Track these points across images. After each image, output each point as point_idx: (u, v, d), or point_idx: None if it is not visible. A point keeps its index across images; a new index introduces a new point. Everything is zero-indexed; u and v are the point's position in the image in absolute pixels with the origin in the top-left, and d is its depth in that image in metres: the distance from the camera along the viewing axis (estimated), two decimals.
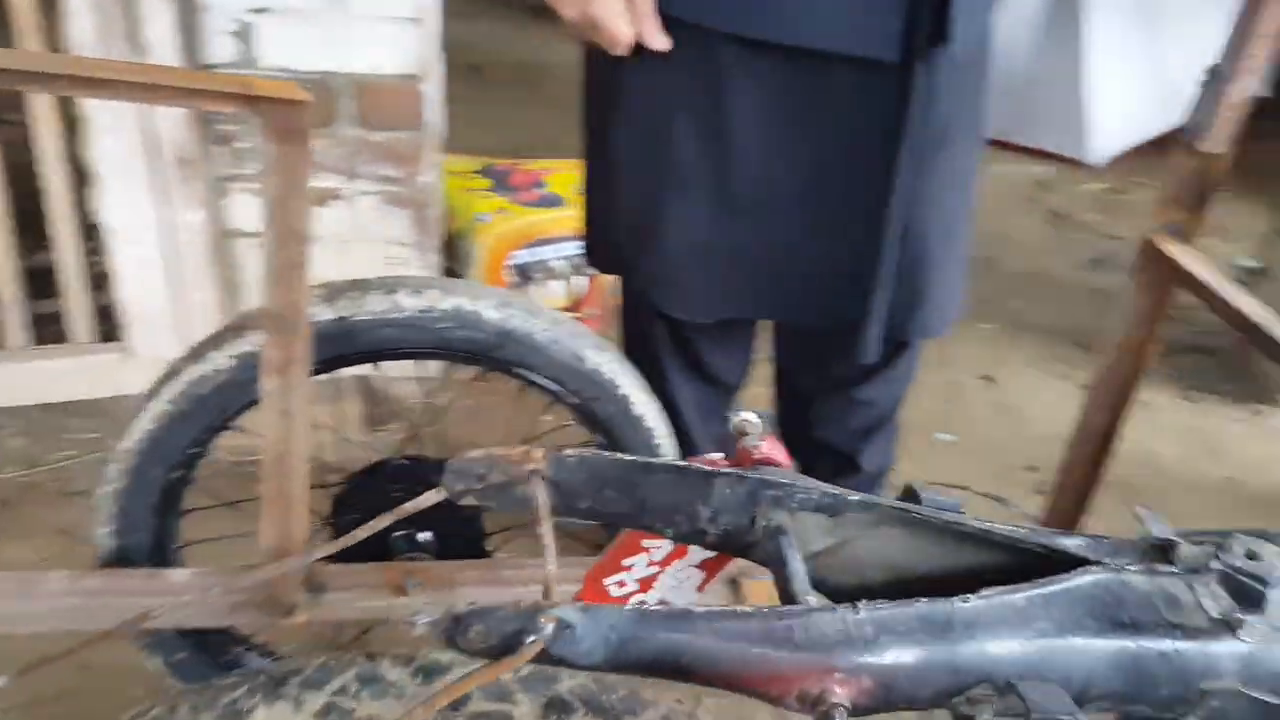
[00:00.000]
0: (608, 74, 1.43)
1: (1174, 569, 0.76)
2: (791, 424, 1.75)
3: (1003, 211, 3.65)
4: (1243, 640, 0.74)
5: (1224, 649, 0.74)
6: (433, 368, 2.03)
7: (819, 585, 0.74)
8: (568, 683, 0.81)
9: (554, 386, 1.33)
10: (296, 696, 0.78)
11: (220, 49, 1.89)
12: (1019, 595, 0.71)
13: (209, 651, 1.45)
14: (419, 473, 1.39)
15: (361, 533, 0.83)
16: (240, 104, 0.93)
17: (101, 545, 1.33)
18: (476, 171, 2.70)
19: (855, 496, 0.77)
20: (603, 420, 1.37)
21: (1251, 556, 0.77)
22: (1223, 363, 2.83)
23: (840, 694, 0.66)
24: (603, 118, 1.49)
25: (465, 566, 1.34)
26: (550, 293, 2.56)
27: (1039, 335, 2.89)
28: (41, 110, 2.01)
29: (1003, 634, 0.70)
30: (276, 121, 0.93)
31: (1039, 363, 2.78)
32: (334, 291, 1.25)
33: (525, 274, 2.54)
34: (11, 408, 2.19)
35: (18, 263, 2.12)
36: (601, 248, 1.61)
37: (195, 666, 1.44)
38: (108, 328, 2.17)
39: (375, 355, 1.28)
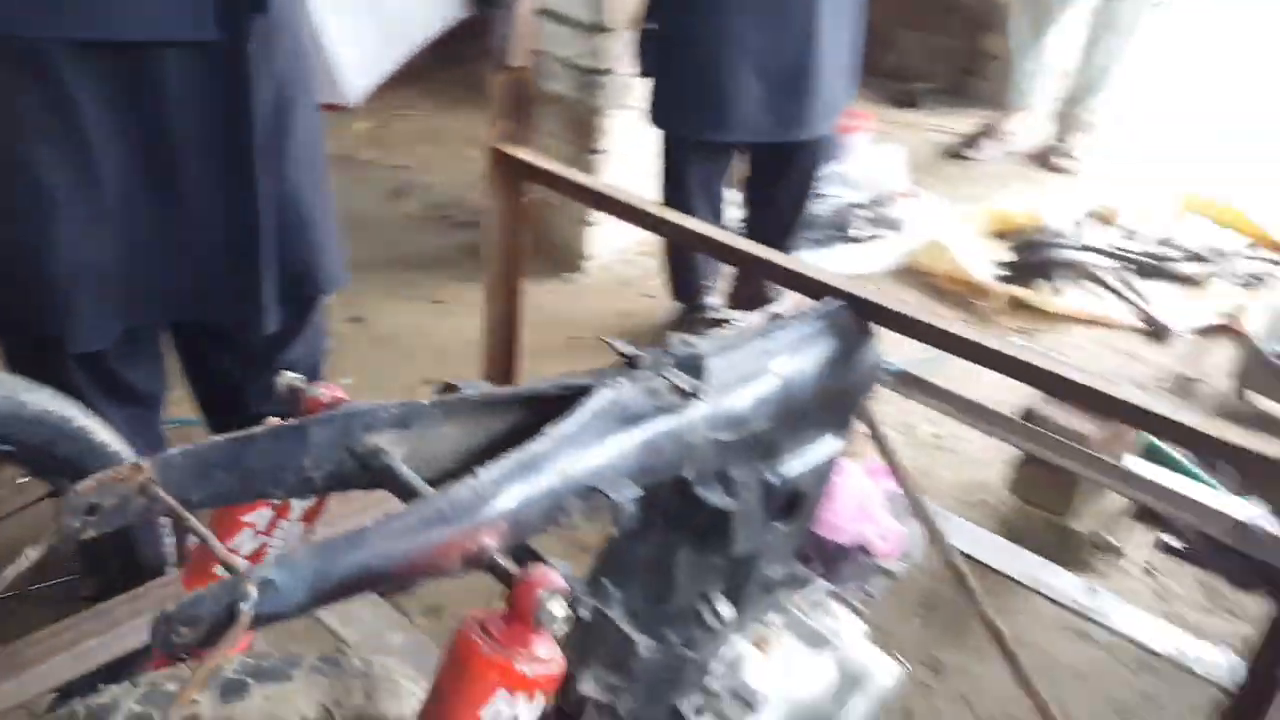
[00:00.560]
0: None
1: (646, 371, 1.03)
2: (225, 410, 1.79)
3: None
4: (702, 401, 1.03)
5: (695, 412, 1.03)
6: None
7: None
8: (228, 664, 0.86)
9: (5, 447, 1.24)
10: None
11: None
12: (568, 424, 0.92)
13: None
14: None
15: None
16: None
17: None
18: None
19: (424, 403, 0.91)
20: (64, 460, 1.31)
21: (686, 344, 1.07)
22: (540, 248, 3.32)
23: (493, 544, 0.82)
24: None
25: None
26: None
27: (380, 269, 3.12)
28: None
29: (570, 455, 0.91)
30: None
31: (392, 292, 3.03)
32: None
33: None
34: None
35: None
36: None
37: None
38: None
39: None
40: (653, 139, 2.67)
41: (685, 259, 2.77)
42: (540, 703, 0.79)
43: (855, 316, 1.23)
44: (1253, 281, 3.19)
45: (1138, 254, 3.28)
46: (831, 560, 1.46)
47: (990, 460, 2.42)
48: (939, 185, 3.90)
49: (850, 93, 2.64)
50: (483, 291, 1.73)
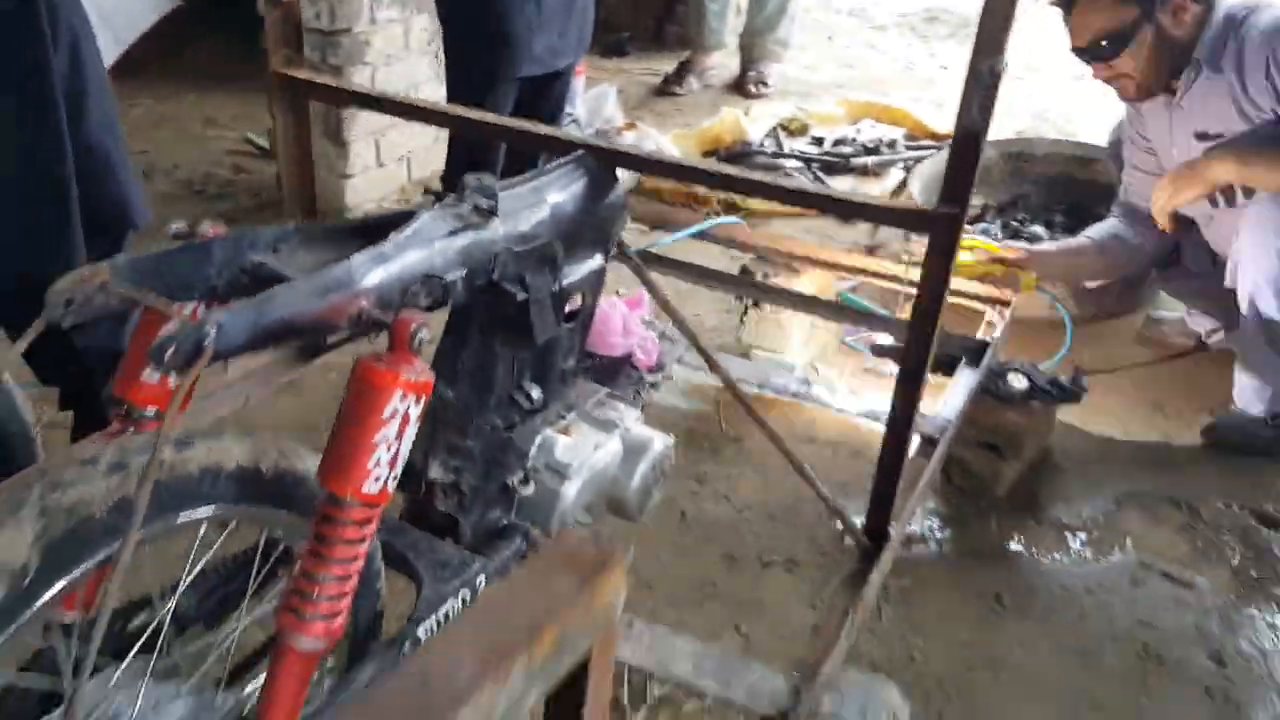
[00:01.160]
0: None
1: (452, 202, 1.36)
2: (57, 368, 1.92)
3: None
4: (498, 219, 1.37)
5: (494, 227, 1.36)
6: None
7: None
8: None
9: None
10: None
11: None
12: (404, 232, 1.23)
13: None
14: None
15: None
16: None
17: None
18: None
19: (290, 227, 1.20)
20: None
21: (479, 180, 1.40)
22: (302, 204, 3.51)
23: (367, 308, 1.13)
24: None
25: None
26: None
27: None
28: None
29: (410, 252, 1.22)
30: None
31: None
32: None
33: None
34: None
35: None
36: None
37: None
38: None
39: None
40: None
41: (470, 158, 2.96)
42: (421, 406, 1.11)
43: (599, 162, 1.61)
44: (914, 165, 3.83)
45: (820, 154, 3.86)
46: (607, 371, 1.83)
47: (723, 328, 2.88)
48: (653, 119, 4.38)
49: (592, 26, 2.97)
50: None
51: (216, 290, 1.15)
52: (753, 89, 4.68)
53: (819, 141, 4.00)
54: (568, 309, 1.57)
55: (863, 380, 2.73)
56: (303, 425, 2.26)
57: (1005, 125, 4.16)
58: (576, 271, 1.54)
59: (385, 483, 1.10)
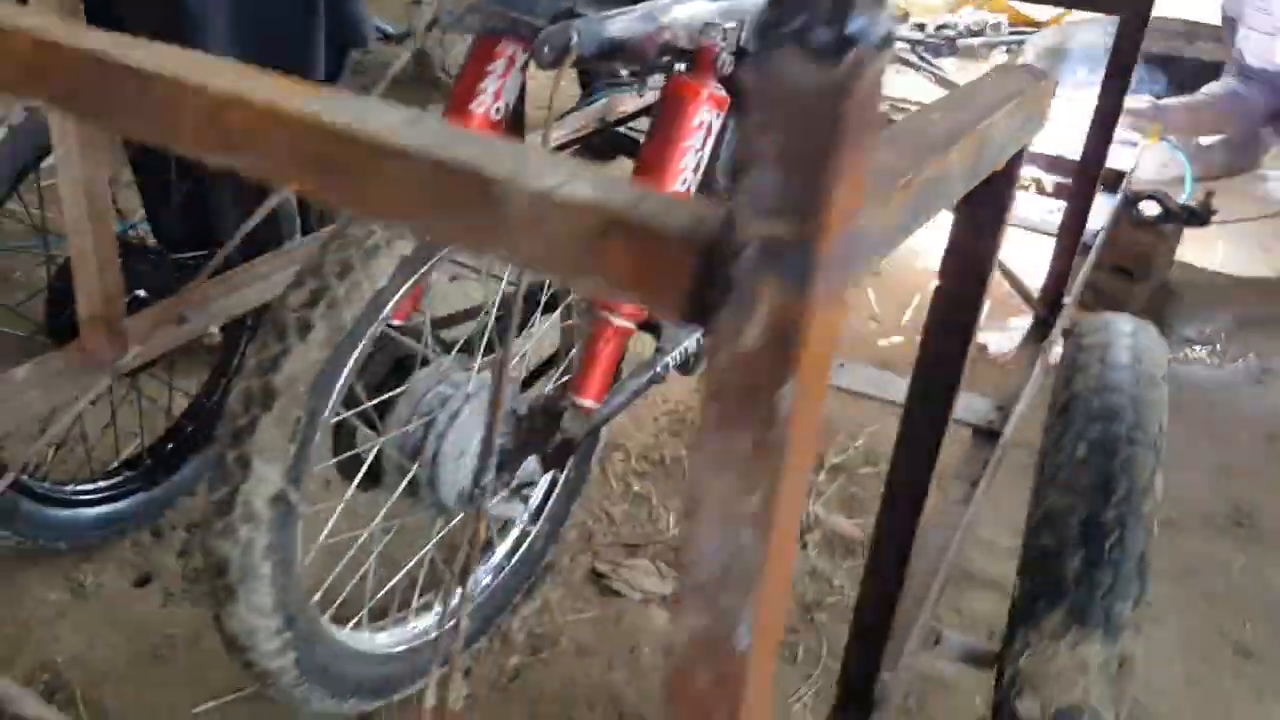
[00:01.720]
0: None
1: None
2: None
3: None
4: None
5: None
6: None
7: None
8: None
9: None
10: None
11: None
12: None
13: None
14: None
15: None
16: None
17: None
18: None
19: None
20: None
21: None
22: None
23: (677, 39, 1.33)
24: None
25: None
26: None
27: None
28: None
29: (699, 3, 1.42)
30: None
31: None
32: None
33: None
34: None
35: None
36: None
37: None
38: None
39: None
40: None
41: None
42: (719, 120, 1.32)
43: None
44: (1015, 47, 3.97)
45: (925, 37, 4.00)
46: None
47: None
48: None
49: None
50: None
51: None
52: None
53: (921, 27, 4.14)
54: None
55: None
56: None
57: None
58: None
59: (689, 186, 1.31)
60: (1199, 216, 2.40)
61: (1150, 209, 2.40)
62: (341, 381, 1.16)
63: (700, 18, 1.40)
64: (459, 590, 1.03)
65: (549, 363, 1.58)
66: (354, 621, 1.40)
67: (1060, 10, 3.94)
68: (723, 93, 1.31)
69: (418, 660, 1.46)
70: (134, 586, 1.67)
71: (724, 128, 1.39)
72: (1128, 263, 2.44)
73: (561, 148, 2.13)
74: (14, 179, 1.41)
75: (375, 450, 1.32)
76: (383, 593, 1.43)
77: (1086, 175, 1.83)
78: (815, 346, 0.43)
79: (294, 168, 0.49)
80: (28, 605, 1.61)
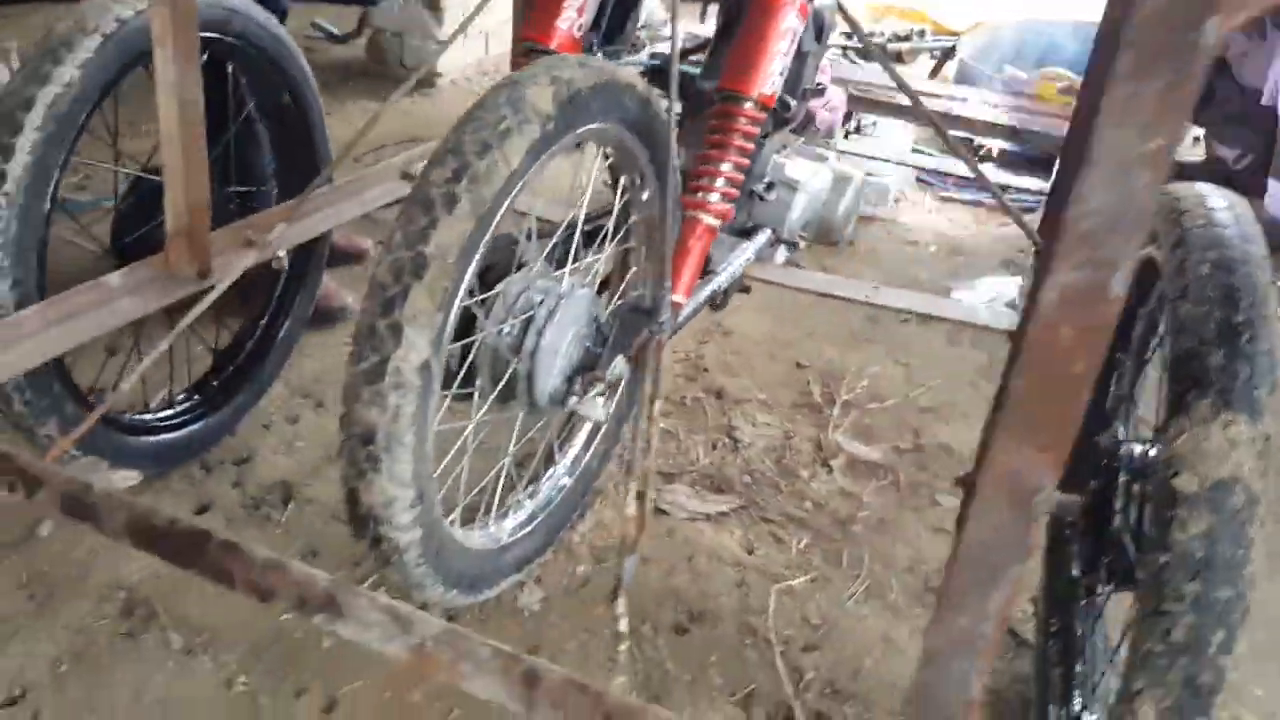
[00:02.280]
0: None
1: None
2: None
3: None
4: None
5: None
6: None
7: None
8: None
9: None
10: None
11: None
12: None
13: None
14: None
15: None
16: None
17: None
18: None
19: None
20: None
21: None
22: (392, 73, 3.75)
23: None
24: None
25: None
26: None
27: None
28: None
29: None
30: None
31: None
32: None
33: None
34: None
35: None
36: None
37: None
38: None
39: None
40: None
41: None
42: (802, 27, 1.42)
43: None
44: (938, 53, 4.22)
45: (852, 44, 4.23)
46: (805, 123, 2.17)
47: None
48: None
49: None
50: None
51: None
52: None
53: (849, 35, 4.36)
54: None
55: (938, 206, 3.11)
56: None
57: None
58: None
59: (775, 89, 1.42)
60: None
61: None
62: (476, 259, 1.22)
63: None
64: (648, 409, 1.10)
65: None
66: (452, 514, 1.44)
67: (976, 21, 4.22)
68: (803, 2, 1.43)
69: (501, 561, 1.51)
70: (194, 514, 1.67)
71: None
72: None
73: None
74: (104, 88, 1.43)
75: (479, 342, 1.37)
76: (475, 491, 1.48)
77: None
78: None
79: None
80: (89, 533, 1.59)
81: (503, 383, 1.40)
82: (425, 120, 3.41)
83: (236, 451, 1.82)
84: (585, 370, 1.47)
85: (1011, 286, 2.70)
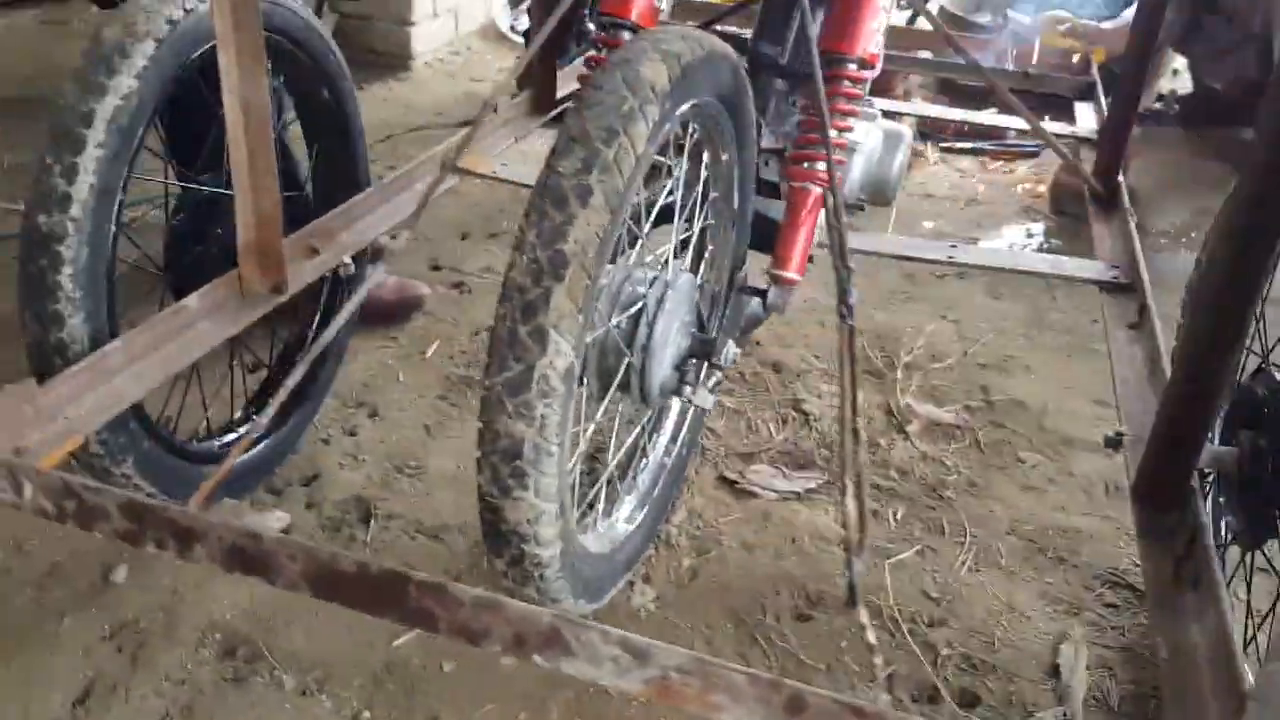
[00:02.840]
0: None
1: None
2: None
3: None
4: None
5: None
6: None
7: None
8: None
9: None
10: None
11: None
12: None
13: None
14: None
15: None
16: None
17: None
18: None
19: None
20: None
21: None
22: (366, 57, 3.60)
23: None
24: None
25: None
26: None
27: None
28: None
29: None
30: None
31: None
32: None
33: None
34: None
35: None
36: None
37: None
38: None
39: None
40: None
41: None
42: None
43: None
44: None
45: None
46: None
47: None
48: None
49: None
50: None
51: None
52: None
53: None
54: None
55: (942, 157, 3.08)
56: None
57: None
58: None
59: (879, 47, 1.35)
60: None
61: None
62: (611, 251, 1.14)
63: None
64: (850, 400, 1.04)
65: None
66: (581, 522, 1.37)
67: None
68: None
69: (615, 562, 1.44)
70: None
71: None
72: None
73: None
74: (160, 97, 1.31)
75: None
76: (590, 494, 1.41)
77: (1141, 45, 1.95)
78: None
79: None
80: (168, 572, 1.50)
81: (617, 379, 1.33)
82: (405, 104, 3.28)
83: (302, 470, 1.72)
84: (696, 357, 1.41)
85: (1036, 234, 2.69)
